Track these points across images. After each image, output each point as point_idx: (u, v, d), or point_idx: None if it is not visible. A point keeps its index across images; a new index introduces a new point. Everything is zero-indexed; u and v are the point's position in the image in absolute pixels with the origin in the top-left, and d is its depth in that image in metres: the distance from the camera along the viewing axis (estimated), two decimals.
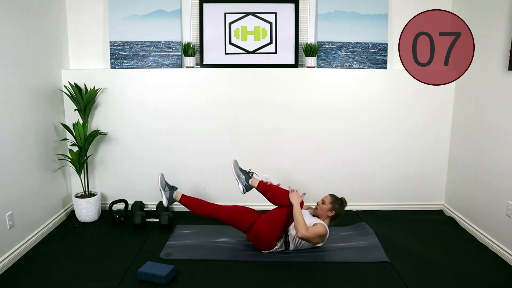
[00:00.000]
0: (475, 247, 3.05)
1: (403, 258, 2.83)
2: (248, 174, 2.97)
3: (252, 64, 3.56)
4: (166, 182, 3.04)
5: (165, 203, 2.99)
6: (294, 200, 2.78)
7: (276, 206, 2.91)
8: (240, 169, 2.99)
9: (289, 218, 2.81)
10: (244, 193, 2.96)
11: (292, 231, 2.89)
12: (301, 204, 2.81)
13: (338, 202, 2.93)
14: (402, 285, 2.50)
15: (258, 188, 2.93)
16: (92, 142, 3.51)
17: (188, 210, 3.63)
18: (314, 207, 3.03)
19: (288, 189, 2.90)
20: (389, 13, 3.59)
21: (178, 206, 3.74)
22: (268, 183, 2.97)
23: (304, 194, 2.92)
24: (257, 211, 2.99)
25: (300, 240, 2.86)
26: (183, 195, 3.03)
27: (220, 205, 2.99)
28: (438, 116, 3.64)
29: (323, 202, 2.93)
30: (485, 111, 3.12)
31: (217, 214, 2.93)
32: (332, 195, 2.97)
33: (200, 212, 2.97)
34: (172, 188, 3.04)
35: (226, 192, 3.69)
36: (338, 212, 2.92)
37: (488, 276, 2.61)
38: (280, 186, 2.99)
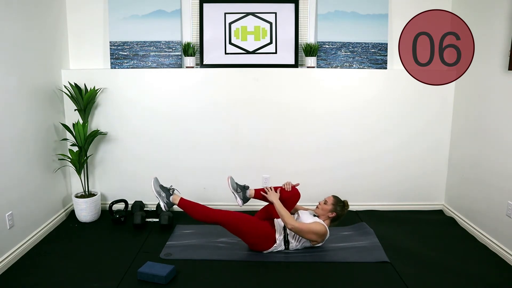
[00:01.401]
0: (475, 247, 3.05)
1: (403, 258, 2.83)
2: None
3: (252, 64, 3.56)
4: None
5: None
6: (273, 198, 2.88)
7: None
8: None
9: (242, 217, 2.87)
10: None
11: (290, 231, 2.89)
12: (284, 193, 2.94)
13: (340, 204, 2.94)
14: (402, 285, 2.50)
15: (179, 205, 2.92)
16: (92, 142, 3.51)
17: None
18: (315, 207, 3.03)
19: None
20: (389, 13, 3.59)
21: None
22: (267, 188, 3.01)
23: (298, 184, 3.02)
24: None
25: (300, 239, 2.87)
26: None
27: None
28: (438, 115, 3.64)
29: (325, 202, 2.94)
30: (485, 111, 3.12)
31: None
32: (335, 197, 2.97)
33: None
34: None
35: (226, 192, 3.67)
36: (338, 214, 2.93)
37: (488, 276, 2.61)
38: (270, 187, 3.01)
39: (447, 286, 2.51)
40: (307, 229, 2.76)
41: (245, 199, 3.03)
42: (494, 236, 3.01)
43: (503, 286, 2.54)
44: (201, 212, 2.88)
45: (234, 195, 3.01)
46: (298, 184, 3.01)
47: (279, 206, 2.83)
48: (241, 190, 3.02)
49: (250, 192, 3.04)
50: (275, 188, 3.02)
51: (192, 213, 2.90)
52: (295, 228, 2.74)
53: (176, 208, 3.72)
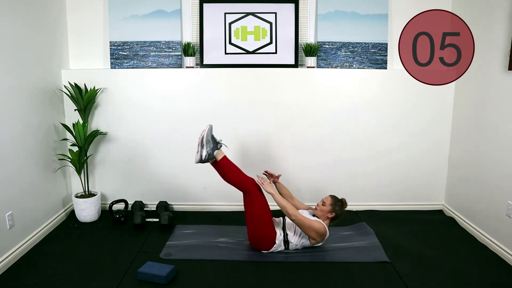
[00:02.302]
0: (475, 247, 3.05)
1: (403, 258, 2.83)
2: (216, 145, 2.82)
3: (252, 64, 3.56)
4: (212, 136, 2.86)
5: (203, 157, 2.79)
6: (270, 189, 2.83)
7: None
8: (213, 136, 2.87)
9: (267, 206, 2.85)
10: (201, 161, 2.82)
11: (289, 231, 2.89)
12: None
13: (338, 204, 2.93)
14: (402, 285, 2.50)
15: (221, 162, 2.79)
16: (92, 142, 3.51)
17: (194, 205, 3.71)
18: (314, 207, 3.03)
19: (252, 177, 2.89)
20: (389, 13, 3.59)
21: (178, 206, 3.75)
22: (277, 175, 2.99)
23: (279, 175, 3.01)
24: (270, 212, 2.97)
25: (300, 239, 2.87)
26: (224, 157, 2.84)
27: (252, 186, 2.85)
28: (438, 115, 3.64)
29: (323, 203, 2.93)
30: (485, 111, 3.12)
31: (246, 189, 2.83)
32: (332, 197, 2.97)
33: (231, 181, 2.87)
34: (217, 144, 2.85)
35: (226, 192, 3.68)
36: (338, 213, 2.92)
37: (488, 276, 2.61)
38: (241, 170, 2.90)
39: (447, 286, 2.51)
40: (309, 224, 2.77)
41: (209, 156, 2.81)
42: (494, 236, 3.01)
43: (503, 286, 2.53)
44: (237, 176, 2.81)
45: (199, 146, 2.81)
46: (280, 175, 2.95)
47: (279, 198, 2.81)
48: (213, 144, 2.80)
49: (218, 153, 2.81)
50: (238, 171, 2.90)
51: (228, 173, 2.83)
52: (298, 219, 2.74)
53: (176, 208, 3.74)
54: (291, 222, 2.86)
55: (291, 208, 2.76)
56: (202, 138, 2.84)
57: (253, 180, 2.89)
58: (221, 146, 2.88)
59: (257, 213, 2.83)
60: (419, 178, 3.76)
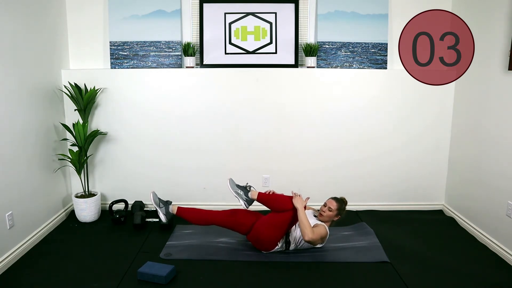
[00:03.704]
0: (475, 247, 3.05)
1: (403, 258, 2.83)
2: (246, 189, 2.96)
3: (252, 64, 3.56)
4: (159, 199, 3.01)
5: (163, 219, 2.96)
6: (299, 204, 2.79)
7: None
8: (237, 185, 2.98)
9: (292, 223, 2.83)
10: (248, 207, 2.93)
11: (293, 232, 2.89)
12: (304, 207, 2.83)
13: (343, 207, 2.95)
14: (402, 285, 2.50)
15: (259, 200, 2.91)
16: (92, 142, 3.51)
17: (194, 205, 3.63)
18: (318, 210, 3.02)
19: (291, 194, 2.90)
20: (389, 13, 3.59)
21: None
22: (269, 192, 2.97)
23: (308, 198, 2.91)
24: (255, 212, 3.00)
25: (301, 240, 2.87)
26: (179, 208, 2.99)
27: (218, 211, 2.96)
28: (438, 115, 3.64)
29: (329, 209, 2.91)
30: (485, 111, 3.12)
31: (216, 221, 2.92)
32: (337, 200, 2.96)
33: (198, 222, 2.94)
34: (167, 203, 3.01)
35: (226, 192, 3.67)
36: (343, 216, 2.97)
37: (488, 276, 2.61)
38: (278, 193, 2.98)
39: (447, 286, 2.51)
40: (318, 237, 2.78)
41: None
42: (494, 236, 3.01)
43: (503, 286, 2.53)
44: (278, 206, 2.85)
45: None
46: (308, 199, 2.92)
47: (303, 215, 2.76)
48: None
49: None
50: (278, 195, 2.95)
51: (270, 207, 2.89)
52: (312, 240, 2.73)
53: None
54: (293, 225, 2.87)
55: (310, 231, 2.72)
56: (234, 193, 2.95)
57: (290, 198, 2.87)
58: (250, 188, 2.96)
59: (282, 222, 2.81)
60: (419, 178, 3.76)
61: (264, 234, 2.82)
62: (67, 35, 3.57)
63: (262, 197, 2.91)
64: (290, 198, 2.85)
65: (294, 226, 2.90)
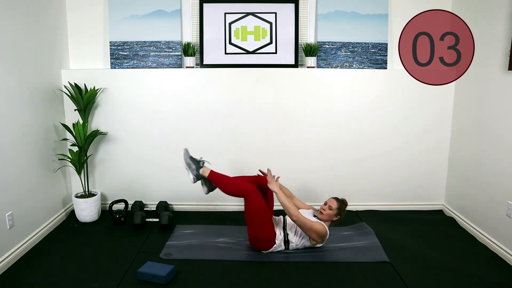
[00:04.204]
0: (475, 247, 3.05)
1: (403, 258, 2.83)
2: (198, 163, 2.87)
3: (252, 64, 3.56)
4: (191, 157, 2.91)
5: (192, 180, 2.86)
6: (275, 188, 2.84)
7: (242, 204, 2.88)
8: (191, 157, 2.90)
9: (265, 207, 2.83)
10: (195, 182, 2.89)
11: (290, 232, 2.89)
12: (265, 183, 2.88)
13: (343, 207, 2.95)
14: (402, 285, 2.50)
15: (209, 178, 2.84)
16: (92, 142, 3.51)
17: (194, 205, 3.69)
18: (317, 210, 3.02)
19: (256, 174, 2.90)
20: (389, 13, 3.59)
21: (178, 206, 3.75)
22: (276, 177, 2.97)
23: (279, 177, 2.96)
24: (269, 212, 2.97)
25: (300, 239, 2.87)
26: (211, 172, 2.90)
27: (248, 188, 2.84)
28: (438, 115, 3.64)
29: (330, 208, 2.91)
30: (485, 111, 3.12)
31: (245, 195, 2.84)
32: (338, 200, 2.95)
33: (228, 191, 2.88)
34: (199, 164, 2.89)
35: None
36: (342, 216, 2.96)
37: (488, 276, 2.61)
38: (232, 176, 2.94)
39: (447, 286, 2.51)
40: (310, 226, 2.77)
41: (198, 177, 2.86)
42: (494, 236, 3.01)
43: (503, 286, 2.54)
44: (231, 186, 2.83)
45: (187, 170, 2.85)
46: (279, 178, 2.95)
47: (283, 197, 2.79)
48: (195, 164, 2.83)
49: (204, 170, 2.82)
50: (255, 177, 2.98)
51: (222, 187, 2.86)
52: (299, 221, 2.74)
53: (176, 208, 3.74)
54: (292, 222, 2.86)
55: (293, 209, 2.76)
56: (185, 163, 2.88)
57: (248, 183, 2.86)
58: (203, 163, 2.91)
59: (255, 215, 2.82)
60: (419, 178, 3.76)
61: (259, 232, 2.83)
62: (67, 35, 3.57)
63: (213, 177, 2.84)
64: (245, 184, 2.82)
65: (293, 226, 2.90)
